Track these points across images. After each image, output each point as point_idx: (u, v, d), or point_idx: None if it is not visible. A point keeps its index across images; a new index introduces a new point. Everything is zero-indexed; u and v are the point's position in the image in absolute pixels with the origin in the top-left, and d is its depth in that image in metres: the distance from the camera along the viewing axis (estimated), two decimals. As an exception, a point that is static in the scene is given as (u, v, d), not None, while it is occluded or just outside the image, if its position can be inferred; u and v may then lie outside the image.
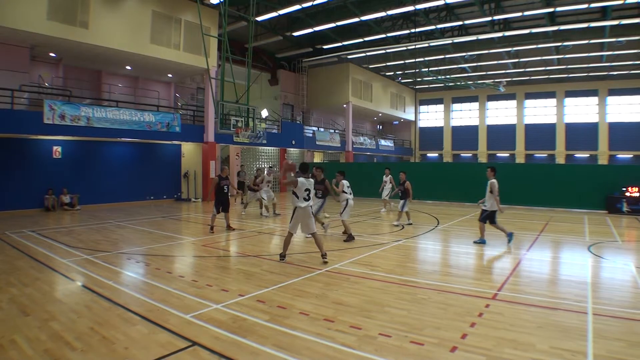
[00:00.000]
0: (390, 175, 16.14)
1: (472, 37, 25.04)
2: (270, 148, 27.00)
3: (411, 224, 12.83)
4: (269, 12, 21.62)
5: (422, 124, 44.47)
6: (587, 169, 21.00)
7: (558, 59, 29.61)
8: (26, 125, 14.84)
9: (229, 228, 11.57)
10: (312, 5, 20.73)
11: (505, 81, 35.32)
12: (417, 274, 7.10)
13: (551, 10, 20.45)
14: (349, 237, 9.97)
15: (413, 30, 24.19)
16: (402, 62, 31.36)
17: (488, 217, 9.64)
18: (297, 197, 7.72)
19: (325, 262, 7.62)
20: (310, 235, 8.18)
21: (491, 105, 40.57)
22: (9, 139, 15.36)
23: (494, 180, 9.49)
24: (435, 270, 7.62)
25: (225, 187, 11.31)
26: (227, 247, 9.49)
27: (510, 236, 9.55)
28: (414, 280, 6.60)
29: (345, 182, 10.55)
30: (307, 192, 7.80)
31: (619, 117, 34.95)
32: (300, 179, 7.82)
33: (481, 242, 9.76)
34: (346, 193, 10.44)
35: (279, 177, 9.58)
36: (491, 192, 9.43)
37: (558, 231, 12.00)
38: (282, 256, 7.90)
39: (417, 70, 32.89)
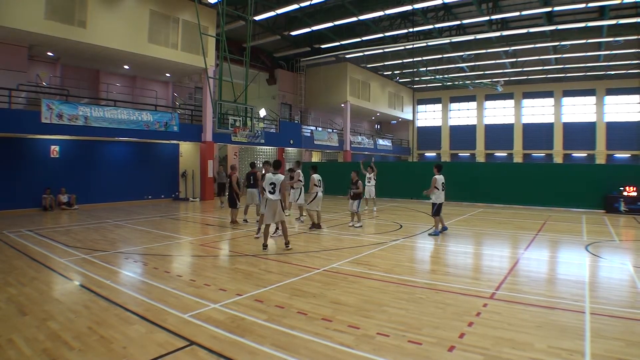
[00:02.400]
0: (374, 172, 15.83)
1: (470, 36, 25.08)
2: (268, 147, 26.98)
3: (361, 226, 12.20)
4: (266, 12, 21.62)
5: (420, 123, 44.50)
6: (584, 168, 21.05)
7: (556, 58, 29.68)
8: (24, 125, 14.79)
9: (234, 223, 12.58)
10: (310, 4, 20.73)
11: (503, 81, 35.41)
12: (415, 273, 7.11)
13: (549, 9, 20.50)
14: (315, 226, 11.43)
15: (411, 30, 24.20)
16: (400, 61, 31.37)
17: (439, 210, 10.83)
18: (265, 191, 8.76)
19: (265, 249, 8.67)
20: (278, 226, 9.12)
21: (489, 104, 40.62)
22: (7, 139, 15.31)
23: (436, 176, 10.80)
24: (433, 269, 7.63)
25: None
26: (225, 247, 9.48)
27: (444, 229, 11.09)
28: (412, 279, 6.61)
29: (316, 176, 11.79)
30: (272, 185, 8.62)
31: (617, 116, 35.01)
32: (268, 174, 8.86)
33: (435, 234, 10.84)
34: (317, 186, 11.72)
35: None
36: (436, 187, 10.71)
37: (556, 230, 12.03)
38: (265, 246, 8.77)
39: (415, 69, 32.95)
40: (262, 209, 10.03)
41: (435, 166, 11.02)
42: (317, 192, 11.68)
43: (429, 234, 10.92)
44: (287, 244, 8.84)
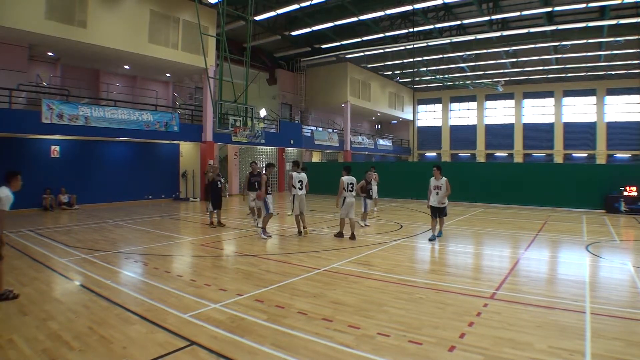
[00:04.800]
0: (375, 174, 15.78)
1: (471, 36, 25.07)
2: (268, 147, 26.99)
3: (369, 225, 12.52)
4: (267, 12, 21.63)
5: (420, 123, 44.48)
6: (585, 168, 21.02)
7: (556, 58, 29.66)
8: (24, 125, 14.80)
9: (220, 224, 12.39)
10: (310, 4, 20.72)
11: (504, 81, 35.38)
12: (415, 273, 7.11)
13: (549, 9, 20.49)
14: (339, 234, 10.50)
15: (411, 30, 24.20)
16: (400, 61, 31.37)
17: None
18: (294, 187, 10.48)
19: (305, 233, 10.62)
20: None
21: (489, 104, 40.60)
22: (7, 139, 15.33)
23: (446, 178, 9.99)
24: (433, 269, 7.63)
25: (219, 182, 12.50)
26: (225, 247, 9.48)
27: (440, 234, 10.46)
28: (412, 279, 6.61)
29: (346, 179, 10.12)
30: (300, 183, 10.51)
31: (617, 116, 34.99)
32: (294, 174, 10.68)
33: (437, 236, 10.38)
34: (348, 191, 10.10)
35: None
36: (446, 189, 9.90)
37: (556, 230, 12.02)
38: (299, 232, 10.61)
39: (415, 69, 32.92)
40: (268, 210, 10.26)
41: (439, 167, 10.02)
42: (345, 198, 10.13)
43: (438, 237, 10.29)
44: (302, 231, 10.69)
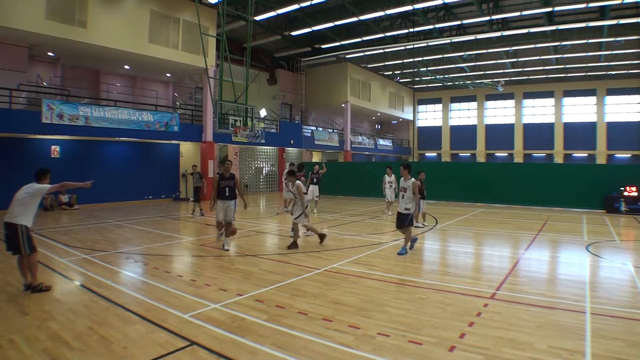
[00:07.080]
0: (393, 175, 15.30)
1: (471, 36, 25.06)
2: (268, 148, 26.99)
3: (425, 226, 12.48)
4: (267, 12, 21.62)
5: (420, 123, 44.48)
6: (585, 168, 21.03)
7: (556, 58, 29.66)
8: (24, 125, 14.80)
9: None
10: (311, 4, 20.72)
11: (504, 81, 35.37)
12: (415, 273, 7.11)
13: (549, 9, 20.48)
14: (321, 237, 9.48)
15: (411, 30, 24.20)
16: (400, 61, 31.36)
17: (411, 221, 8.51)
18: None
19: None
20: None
21: (489, 104, 40.60)
22: (7, 139, 15.34)
23: (415, 180, 8.50)
24: (433, 269, 7.63)
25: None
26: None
27: (403, 250, 8.54)
28: (413, 279, 6.61)
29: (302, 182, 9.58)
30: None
31: (617, 116, 34.99)
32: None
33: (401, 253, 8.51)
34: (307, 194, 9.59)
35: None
36: (414, 192, 8.35)
37: (556, 231, 12.02)
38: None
39: (415, 69, 32.91)
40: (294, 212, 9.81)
41: (407, 166, 8.66)
42: (307, 202, 9.70)
43: (399, 253, 8.47)
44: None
